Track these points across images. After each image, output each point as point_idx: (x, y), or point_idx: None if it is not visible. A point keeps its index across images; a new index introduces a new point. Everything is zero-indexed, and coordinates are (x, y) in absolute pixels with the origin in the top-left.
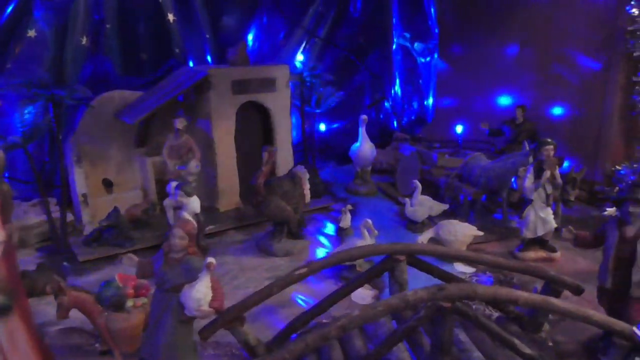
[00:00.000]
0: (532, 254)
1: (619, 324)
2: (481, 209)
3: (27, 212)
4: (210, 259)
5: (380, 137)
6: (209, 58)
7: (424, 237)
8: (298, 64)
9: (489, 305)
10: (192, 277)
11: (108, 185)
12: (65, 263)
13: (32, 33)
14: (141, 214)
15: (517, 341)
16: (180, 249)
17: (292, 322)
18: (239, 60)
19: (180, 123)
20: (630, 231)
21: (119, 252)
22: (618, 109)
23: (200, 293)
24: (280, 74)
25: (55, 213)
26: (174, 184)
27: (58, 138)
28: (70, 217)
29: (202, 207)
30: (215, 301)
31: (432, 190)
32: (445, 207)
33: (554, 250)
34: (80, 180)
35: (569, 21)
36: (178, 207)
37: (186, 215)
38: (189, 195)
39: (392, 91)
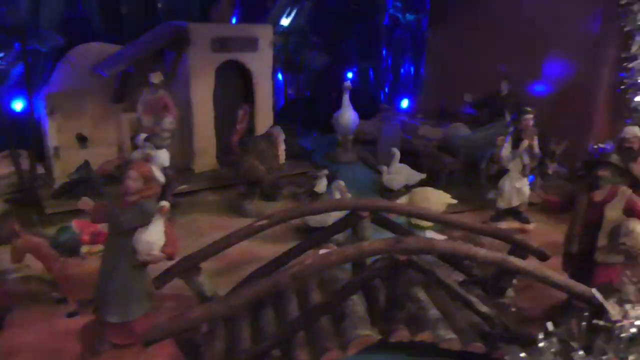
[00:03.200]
0: (505, 225)
1: (579, 287)
2: (460, 180)
3: None
4: (164, 203)
5: (368, 108)
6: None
7: None
8: (284, 25)
9: (453, 268)
10: (146, 220)
11: (82, 140)
12: (35, 216)
13: None
14: (114, 170)
15: (474, 299)
16: (135, 191)
17: (250, 275)
18: (222, 16)
19: (155, 77)
20: (598, 195)
21: None
22: (605, 86)
23: (152, 237)
24: (263, 33)
25: (26, 165)
26: (142, 136)
27: (29, 87)
28: (41, 170)
29: (178, 167)
30: (167, 247)
31: (413, 159)
32: (423, 176)
33: (527, 221)
34: (53, 133)
35: None
36: (147, 160)
37: (154, 168)
38: (158, 147)
39: (382, 62)
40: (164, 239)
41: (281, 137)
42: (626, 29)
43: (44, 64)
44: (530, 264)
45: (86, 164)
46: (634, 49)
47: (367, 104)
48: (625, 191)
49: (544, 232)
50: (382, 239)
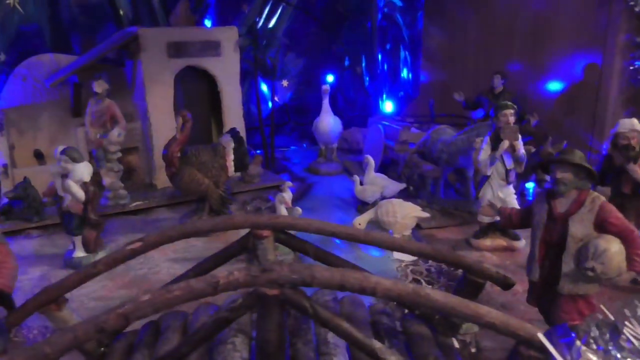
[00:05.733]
0: (490, 242)
1: (525, 329)
2: (446, 190)
3: None
4: None
5: (364, 116)
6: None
7: (361, 219)
8: (253, 27)
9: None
10: None
11: (39, 156)
12: None
13: None
14: None
15: (378, 345)
16: None
17: None
18: (181, 20)
19: (98, 86)
20: (561, 205)
21: (26, 227)
22: (617, 78)
23: None
24: (226, 36)
25: None
26: (60, 148)
27: None
28: None
29: (141, 182)
30: None
31: (395, 168)
32: (402, 186)
33: (516, 237)
34: (3, 150)
35: None
36: (65, 175)
37: (71, 183)
38: (75, 160)
39: (377, 65)
40: None
41: (229, 146)
42: (638, 9)
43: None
44: (456, 299)
45: (24, 181)
46: None
47: (364, 112)
48: (597, 199)
49: None
50: (244, 268)
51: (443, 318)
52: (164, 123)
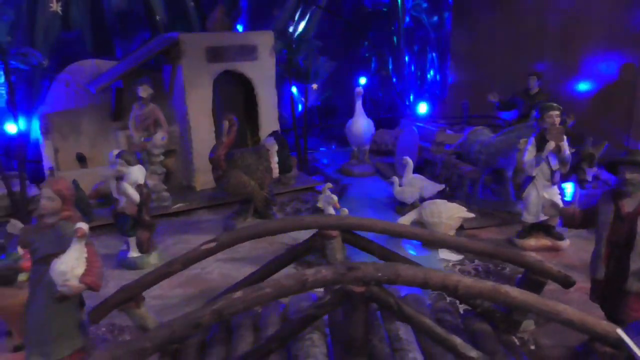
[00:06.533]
0: (534, 242)
1: (602, 325)
2: (484, 191)
3: None
4: (81, 224)
5: (392, 117)
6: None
7: (405, 220)
8: (291, 32)
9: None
10: (64, 246)
11: (81, 159)
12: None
13: None
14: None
15: (458, 340)
16: (51, 212)
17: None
18: (218, 26)
19: (143, 91)
20: (628, 205)
21: None
22: None
23: (65, 265)
24: (262, 40)
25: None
26: (115, 151)
27: (14, 106)
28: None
29: (179, 185)
30: (87, 276)
31: (431, 169)
32: (440, 187)
33: (560, 237)
34: (49, 153)
35: None
36: (120, 178)
37: (127, 186)
38: (130, 163)
39: (405, 66)
40: (83, 267)
41: (273, 149)
42: None
43: (43, 83)
44: (534, 297)
45: (74, 183)
46: None
47: (391, 113)
48: None
49: (581, 249)
50: (332, 266)
51: (505, 315)
52: (203, 126)
